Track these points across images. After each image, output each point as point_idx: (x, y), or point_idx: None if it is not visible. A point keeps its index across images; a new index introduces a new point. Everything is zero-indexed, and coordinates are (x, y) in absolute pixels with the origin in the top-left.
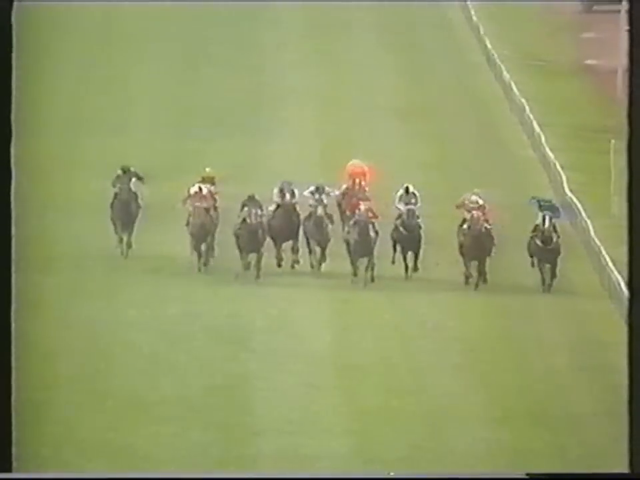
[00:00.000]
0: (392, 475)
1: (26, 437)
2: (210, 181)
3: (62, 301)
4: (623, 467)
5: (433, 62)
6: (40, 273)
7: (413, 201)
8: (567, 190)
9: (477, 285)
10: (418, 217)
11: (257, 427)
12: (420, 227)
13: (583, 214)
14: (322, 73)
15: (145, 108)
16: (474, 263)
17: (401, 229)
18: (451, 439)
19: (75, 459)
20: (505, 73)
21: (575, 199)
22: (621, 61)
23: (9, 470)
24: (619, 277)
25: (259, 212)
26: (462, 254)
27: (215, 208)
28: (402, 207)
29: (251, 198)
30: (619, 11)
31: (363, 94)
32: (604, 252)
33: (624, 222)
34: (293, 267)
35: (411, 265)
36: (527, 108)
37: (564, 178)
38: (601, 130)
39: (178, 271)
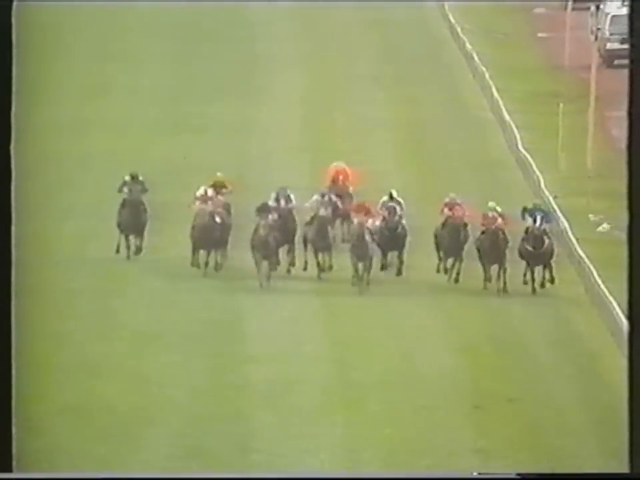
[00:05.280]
0: (393, 475)
1: (28, 422)
2: (220, 185)
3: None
4: (623, 466)
5: (405, 35)
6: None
7: (397, 207)
8: (520, 147)
9: (502, 290)
10: (401, 218)
11: (249, 355)
12: (405, 231)
13: (535, 168)
14: (307, 46)
15: (146, 104)
16: (494, 267)
17: (385, 231)
18: (418, 365)
19: (89, 381)
20: (467, 44)
21: (527, 155)
22: (568, 33)
23: (9, 470)
24: (566, 223)
25: (270, 220)
26: (480, 259)
27: (228, 211)
28: (384, 212)
29: (264, 205)
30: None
31: (343, 63)
32: (552, 201)
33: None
34: (288, 271)
35: (395, 263)
36: (487, 75)
37: (518, 137)
38: (551, 94)
39: (180, 274)
